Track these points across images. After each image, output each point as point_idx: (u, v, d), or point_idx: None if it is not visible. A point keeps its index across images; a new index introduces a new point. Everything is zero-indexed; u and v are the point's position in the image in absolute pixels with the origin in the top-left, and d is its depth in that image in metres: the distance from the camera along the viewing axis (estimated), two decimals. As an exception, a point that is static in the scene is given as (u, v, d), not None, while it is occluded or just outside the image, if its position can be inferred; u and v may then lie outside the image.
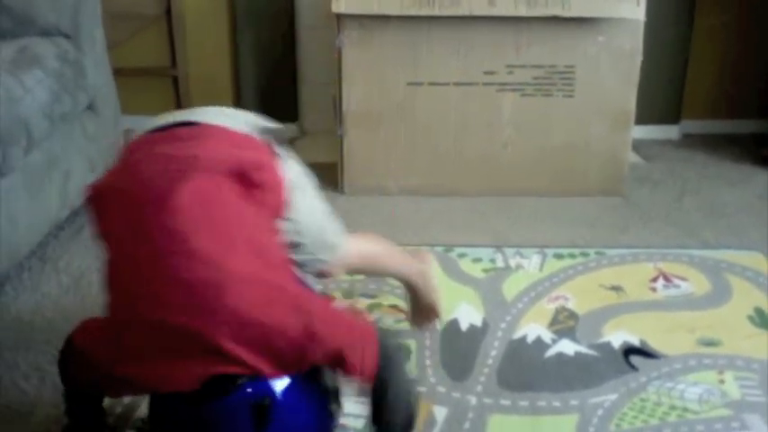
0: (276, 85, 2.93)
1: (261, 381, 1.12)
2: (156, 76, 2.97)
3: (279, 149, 1.28)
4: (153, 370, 1.11)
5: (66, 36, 2.13)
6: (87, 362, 1.19)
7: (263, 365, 1.10)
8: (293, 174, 1.29)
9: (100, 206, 1.22)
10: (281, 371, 1.13)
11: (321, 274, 1.43)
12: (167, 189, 1.12)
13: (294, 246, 1.29)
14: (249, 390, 1.11)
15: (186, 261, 1.09)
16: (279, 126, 1.32)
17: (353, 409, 1.51)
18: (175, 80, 2.94)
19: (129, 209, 1.16)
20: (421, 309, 1.68)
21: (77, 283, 1.98)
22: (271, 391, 1.12)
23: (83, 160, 2.17)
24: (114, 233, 1.18)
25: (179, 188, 1.12)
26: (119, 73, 2.43)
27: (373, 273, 1.73)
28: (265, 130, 1.29)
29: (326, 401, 1.25)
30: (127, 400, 1.52)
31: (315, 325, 1.12)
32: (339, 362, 1.15)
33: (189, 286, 1.08)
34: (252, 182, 1.17)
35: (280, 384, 1.14)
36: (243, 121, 1.30)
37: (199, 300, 1.08)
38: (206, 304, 1.08)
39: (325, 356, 1.14)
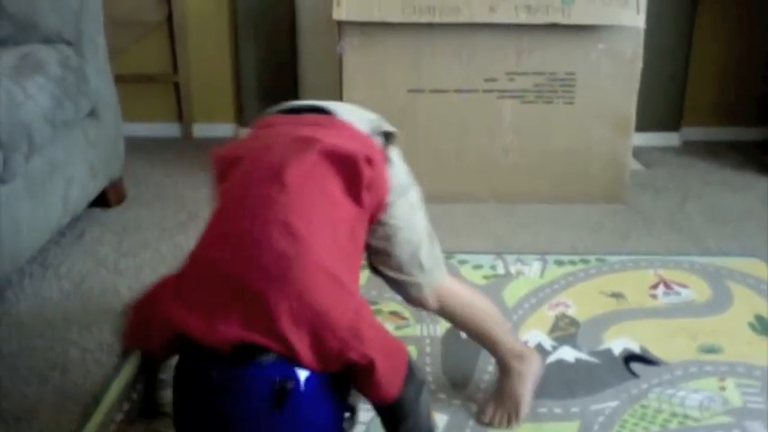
0: (277, 90, 2.93)
1: (290, 364, 1.12)
2: (158, 83, 2.98)
3: (392, 154, 1.33)
4: (201, 320, 1.13)
5: (69, 43, 2.14)
6: (152, 309, 1.21)
7: (302, 350, 1.11)
8: (399, 180, 1.33)
9: (222, 169, 1.30)
10: (316, 363, 1.13)
11: (412, 301, 1.43)
12: (282, 163, 1.20)
13: (384, 254, 1.33)
14: (276, 368, 1.11)
15: (277, 230, 1.14)
16: (395, 131, 1.35)
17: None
18: (177, 86, 2.95)
19: (245, 174, 1.24)
20: (504, 398, 1.51)
21: (78, 288, 1.99)
22: (296, 378, 1.12)
23: (84, 166, 2.17)
24: (227, 192, 1.26)
25: (292, 165, 1.20)
26: (120, 79, 2.44)
27: (469, 328, 1.52)
28: (384, 134, 1.33)
29: (342, 415, 1.23)
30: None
31: (362, 328, 1.14)
32: (369, 371, 1.15)
33: (273, 254, 1.13)
34: (359, 177, 1.22)
35: (307, 376, 1.14)
36: (366, 120, 1.34)
37: (276, 268, 1.12)
38: (281, 275, 1.12)
39: (361, 358, 1.13)
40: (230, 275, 1.14)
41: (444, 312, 1.49)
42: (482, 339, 1.53)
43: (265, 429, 1.12)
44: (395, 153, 1.35)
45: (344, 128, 1.30)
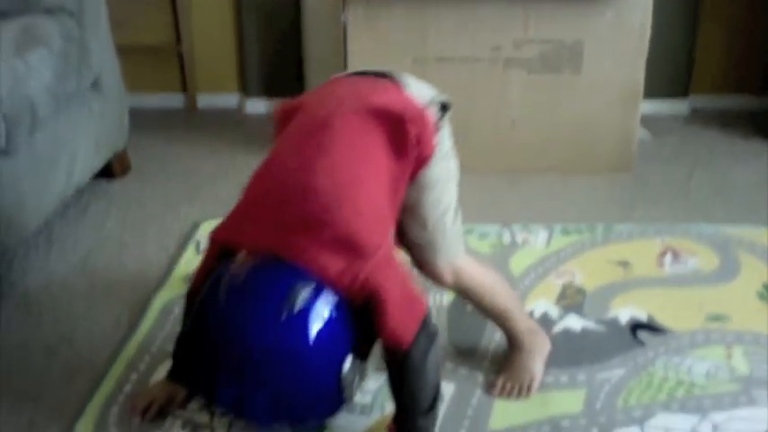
0: (281, 61, 2.91)
1: (316, 280, 1.22)
2: (161, 53, 2.96)
3: (443, 123, 1.40)
4: (242, 236, 1.28)
5: (70, 14, 2.12)
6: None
7: (330, 271, 1.21)
8: (444, 147, 1.40)
9: (281, 120, 1.42)
10: (342, 287, 1.22)
11: (428, 269, 1.45)
12: (334, 113, 1.33)
13: (414, 208, 1.39)
14: (299, 275, 1.21)
15: (322, 171, 1.26)
16: (450, 102, 1.42)
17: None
18: (180, 57, 2.93)
19: (298, 123, 1.37)
20: (516, 372, 1.52)
21: (84, 261, 1.99)
22: (317, 289, 1.21)
23: (88, 138, 2.16)
24: (280, 139, 1.39)
25: (342, 115, 1.32)
26: (123, 51, 2.42)
27: (482, 306, 1.53)
28: (441, 106, 1.40)
29: (348, 348, 1.25)
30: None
31: (389, 266, 1.26)
32: (385, 307, 1.22)
33: (315, 188, 1.25)
34: (405, 135, 1.31)
35: (327, 292, 1.22)
36: (426, 90, 1.42)
37: (316, 202, 1.24)
38: (320, 208, 1.24)
39: (382, 291, 1.22)
40: (274, 204, 1.27)
41: (458, 289, 1.50)
42: (494, 316, 1.55)
43: (275, 330, 1.19)
44: (446, 123, 1.42)
45: (399, 92, 1.37)
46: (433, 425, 1.35)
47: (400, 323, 1.24)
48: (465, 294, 1.52)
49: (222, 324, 1.22)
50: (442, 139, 1.40)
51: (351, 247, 1.23)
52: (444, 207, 1.43)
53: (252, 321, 1.20)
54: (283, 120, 1.41)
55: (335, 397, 1.27)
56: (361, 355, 1.29)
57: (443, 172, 1.41)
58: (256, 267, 1.24)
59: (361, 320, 1.25)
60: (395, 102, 1.34)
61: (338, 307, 1.23)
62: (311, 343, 1.21)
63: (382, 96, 1.35)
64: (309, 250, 1.22)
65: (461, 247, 1.48)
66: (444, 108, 1.40)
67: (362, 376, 1.31)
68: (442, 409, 1.45)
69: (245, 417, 1.32)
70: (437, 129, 1.38)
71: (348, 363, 1.25)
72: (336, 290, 1.23)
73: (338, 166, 1.28)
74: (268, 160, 1.36)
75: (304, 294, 1.20)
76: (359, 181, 1.28)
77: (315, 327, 1.21)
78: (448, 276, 1.45)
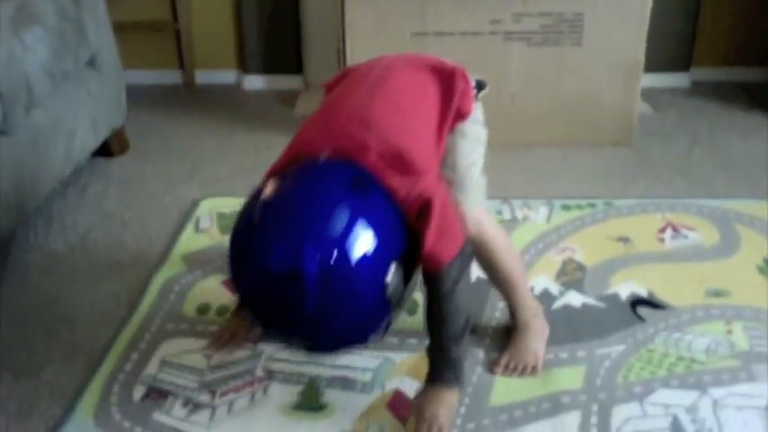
0: (280, 37, 2.89)
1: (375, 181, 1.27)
2: (158, 31, 2.93)
3: (478, 97, 1.50)
4: (306, 147, 1.33)
5: (66, -9, 2.10)
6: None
7: (384, 175, 1.27)
8: (477, 114, 1.51)
9: (331, 85, 1.52)
10: (395, 190, 1.27)
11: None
12: (389, 66, 1.45)
13: (447, 153, 1.44)
14: (359, 168, 1.27)
15: (378, 104, 1.36)
16: (485, 81, 1.53)
17: (362, 363, 1.52)
18: (177, 34, 2.91)
19: (355, 77, 1.47)
20: (520, 353, 1.53)
21: (84, 240, 1.99)
22: (374, 182, 1.26)
23: (86, 117, 2.15)
24: (336, 90, 1.48)
25: (397, 67, 1.45)
26: (119, 28, 2.40)
27: (497, 269, 1.53)
28: (477, 84, 1.51)
29: (392, 254, 1.24)
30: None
31: (439, 188, 1.32)
32: (429, 223, 1.26)
33: (375, 113, 1.34)
34: (454, 85, 1.42)
35: (382, 190, 1.26)
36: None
37: (375, 125, 1.32)
38: (380, 129, 1.31)
39: (430, 204, 1.27)
40: (332, 131, 1.33)
41: (479, 240, 1.47)
42: (506, 286, 1.56)
43: (333, 210, 1.20)
44: (479, 100, 1.52)
45: (445, 61, 1.49)
46: (464, 354, 1.41)
47: (441, 241, 1.28)
48: (482, 250, 1.50)
49: (276, 202, 1.23)
50: (477, 108, 1.50)
51: (408, 165, 1.29)
52: (472, 160, 1.49)
53: (304, 209, 1.21)
54: (333, 85, 1.51)
55: (380, 306, 1.23)
56: (405, 276, 1.27)
57: (476, 133, 1.50)
58: (317, 160, 1.28)
59: (409, 238, 1.27)
60: (446, 61, 1.47)
61: (391, 208, 1.26)
62: (363, 233, 1.19)
63: (437, 59, 1.48)
64: (370, 158, 1.28)
65: (485, 205, 1.52)
66: (480, 86, 1.51)
67: (406, 296, 1.29)
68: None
69: (291, 326, 1.25)
70: (474, 97, 1.49)
71: (392, 270, 1.22)
72: (394, 198, 1.27)
73: (394, 102, 1.37)
74: (322, 108, 1.43)
75: (366, 178, 1.25)
76: (414, 117, 1.38)
77: (370, 220, 1.21)
78: (472, 222, 1.45)
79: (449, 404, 1.39)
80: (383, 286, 1.21)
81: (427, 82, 1.43)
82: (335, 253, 1.16)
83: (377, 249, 1.20)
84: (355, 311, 1.22)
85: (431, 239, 1.26)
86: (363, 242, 1.19)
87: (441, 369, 1.39)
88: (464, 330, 1.39)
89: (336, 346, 1.33)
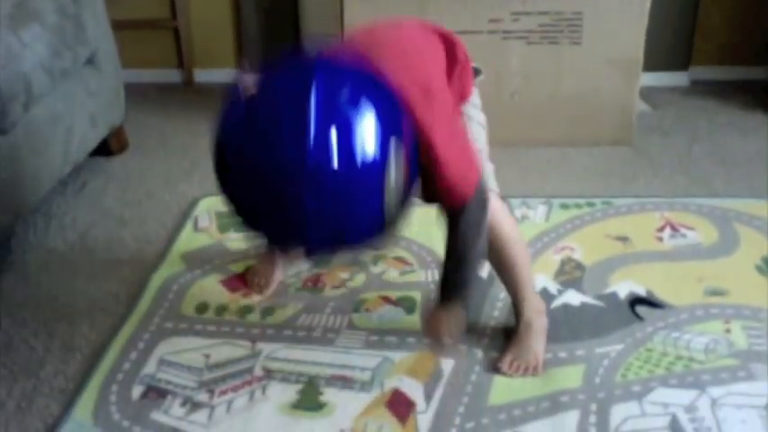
0: (278, 35, 2.89)
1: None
2: (157, 29, 2.93)
3: (475, 82, 1.54)
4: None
5: (65, -11, 2.10)
6: None
7: (404, 92, 1.24)
8: (477, 99, 1.54)
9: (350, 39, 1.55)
10: (412, 112, 1.25)
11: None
12: (401, 25, 1.47)
13: None
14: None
15: (400, 43, 1.40)
16: (480, 68, 1.57)
17: (361, 362, 1.52)
18: (176, 33, 2.91)
19: (365, 31, 1.46)
20: (522, 352, 1.53)
21: (83, 238, 1.99)
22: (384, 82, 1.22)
23: (85, 115, 2.15)
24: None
25: (406, 23, 1.49)
26: (118, 26, 2.40)
27: (504, 261, 1.52)
28: (474, 70, 1.55)
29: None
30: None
31: (456, 121, 1.38)
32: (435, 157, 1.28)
33: (396, 48, 1.37)
34: (456, 55, 1.45)
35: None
36: None
37: (396, 58, 1.31)
38: (402, 62, 1.31)
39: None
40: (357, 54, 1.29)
41: (491, 226, 1.43)
42: (512, 279, 1.55)
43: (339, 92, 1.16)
44: (476, 86, 1.55)
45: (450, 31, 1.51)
46: (475, 279, 1.47)
47: (457, 174, 1.32)
48: (495, 238, 1.46)
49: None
50: (476, 93, 1.53)
51: (427, 89, 1.30)
52: (481, 145, 1.49)
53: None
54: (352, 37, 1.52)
55: (378, 202, 1.18)
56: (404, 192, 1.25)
57: (478, 117, 1.53)
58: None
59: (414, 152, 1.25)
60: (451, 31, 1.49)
61: (403, 120, 1.22)
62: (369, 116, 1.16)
63: (447, 30, 1.49)
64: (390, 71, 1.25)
65: (496, 190, 1.50)
66: (476, 73, 1.53)
67: (405, 206, 1.25)
68: (440, 387, 1.47)
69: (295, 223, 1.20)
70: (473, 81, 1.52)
71: (393, 161, 1.18)
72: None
73: (417, 44, 1.41)
74: (361, 34, 1.45)
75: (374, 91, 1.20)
76: (428, 61, 1.40)
77: (380, 114, 1.17)
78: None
79: (456, 314, 1.46)
80: (383, 174, 1.16)
81: (436, 42, 1.45)
82: (335, 131, 1.13)
83: (381, 133, 1.15)
84: (353, 202, 1.16)
85: (444, 181, 1.30)
86: (368, 126, 1.14)
87: (452, 290, 1.44)
88: (477, 264, 1.44)
89: (333, 245, 1.23)
